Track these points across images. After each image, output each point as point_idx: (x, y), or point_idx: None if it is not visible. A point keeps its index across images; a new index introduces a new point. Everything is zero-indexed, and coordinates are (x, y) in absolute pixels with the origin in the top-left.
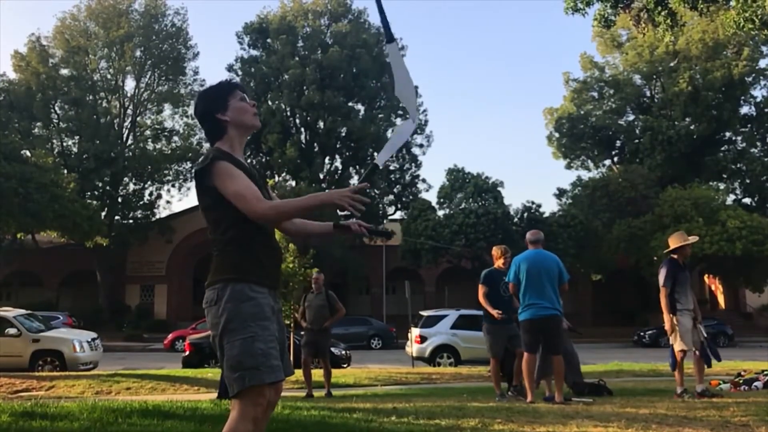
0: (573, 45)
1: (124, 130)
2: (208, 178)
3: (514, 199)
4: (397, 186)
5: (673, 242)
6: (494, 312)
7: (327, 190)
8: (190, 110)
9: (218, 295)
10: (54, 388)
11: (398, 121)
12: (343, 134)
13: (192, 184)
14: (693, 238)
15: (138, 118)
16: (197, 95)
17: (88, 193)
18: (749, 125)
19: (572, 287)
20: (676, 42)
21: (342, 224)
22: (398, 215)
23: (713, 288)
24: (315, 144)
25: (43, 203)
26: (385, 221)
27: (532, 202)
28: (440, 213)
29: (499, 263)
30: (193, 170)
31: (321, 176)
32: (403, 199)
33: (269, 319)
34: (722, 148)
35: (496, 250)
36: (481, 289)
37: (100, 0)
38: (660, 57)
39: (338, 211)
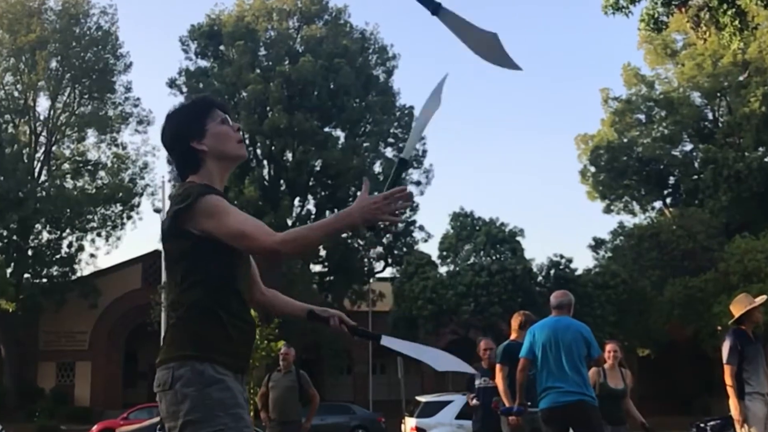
0: (613, 54)
1: (35, 162)
2: (191, 219)
3: (537, 251)
4: (387, 235)
5: (737, 308)
6: (511, 417)
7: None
8: (121, 138)
9: (173, 376)
10: None
11: (388, 151)
12: (318, 168)
13: (122, 233)
14: (761, 299)
15: (54, 148)
16: (165, 117)
17: None
18: None
19: None
20: (746, 50)
21: (318, 314)
22: (388, 272)
23: None
24: (281, 180)
25: None
26: (371, 280)
27: (561, 256)
28: (443, 270)
29: (519, 335)
30: (172, 211)
31: (289, 222)
32: (395, 251)
33: (243, 407)
34: None
35: (516, 319)
36: (499, 370)
37: None
38: (725, 69)
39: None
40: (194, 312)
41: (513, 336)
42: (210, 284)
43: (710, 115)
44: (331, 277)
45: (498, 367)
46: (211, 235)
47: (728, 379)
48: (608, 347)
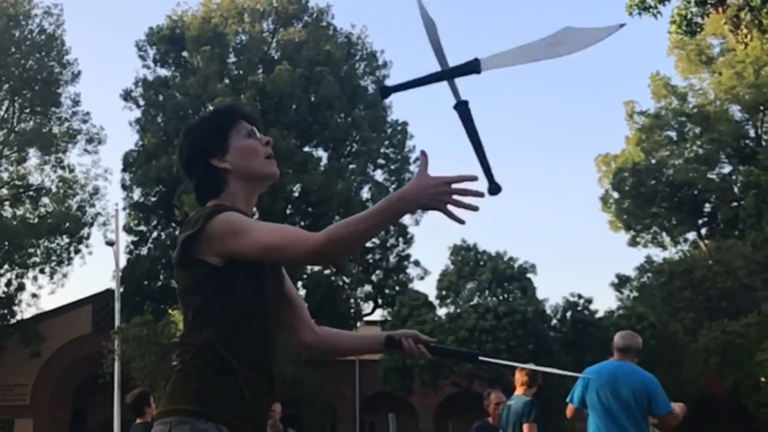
0: (640, 61)
1: None
2: (205, 246)
3: (551, 291)
4: (377, 272)
5: None
6: None
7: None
8: (68, 159)
9: None
10: None
11: (377, 174)
12: (297, 194)
13: (69, 269)
14: None
15: None
16: (183, 133)
17: None
18: None
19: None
20: None
21: (394, 338)
22: (378, 315)
23: None
24: (254, 208)
25: None
26: (359, 324)
27: (579, 296)
28: (441, 312)
29: (525, 390)
30: (181, 237)
31: None
32: (386, 291)
33: None
34: None
35: (521, 373)
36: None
37: None
38: None
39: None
40: (202, 358)
41: (521, 391)
42: (225, 325)
43: (752, 132)
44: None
45: (529, 426)
46: (237, 257)
47: None
48: None
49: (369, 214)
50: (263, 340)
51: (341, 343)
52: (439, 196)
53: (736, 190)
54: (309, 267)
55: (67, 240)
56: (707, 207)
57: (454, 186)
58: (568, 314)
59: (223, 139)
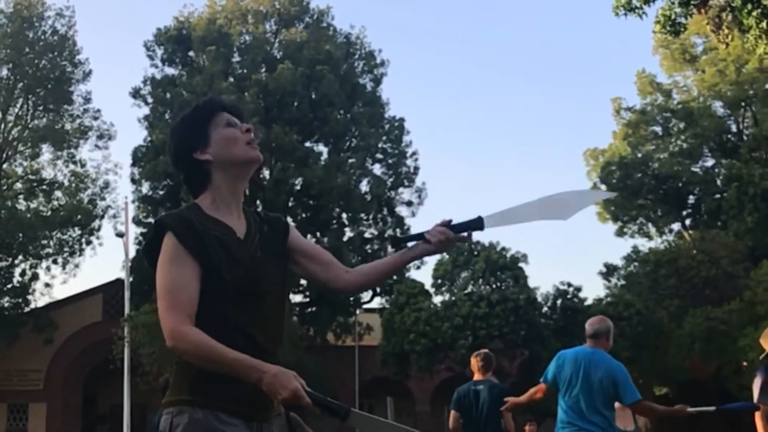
0: (626, 60)
1: None
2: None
3: (542, 279)
4: (375, 261)
5: (767, 340)
6: None
7: (269, 368)
8: (79, 154)
9: (172, 424)
10: None
11: (376, 167)
12: (298, 187)
13: (81, 260)
14: None
15: (5, 165)
16: (169, 131)
17: None
18: None
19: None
20: None
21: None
22: (377, 303)
23: None
24: (257, 201)
25: None
26: (358, 312)
27: (568, 284)
28: (437, 300)
29: (484, 375)
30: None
31: None
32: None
33: None
34: None
35: (474, 360)
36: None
37: None
38: (750, 76)
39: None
40: None
41: (481, 376)
42: (209, 320)
43: (734, 127)
44: (314, 308)
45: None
46: None
47: (759, 422)
48: None
49: (223, 356)
50: (254, 334)
51: (372, 275)
52: (291, 395)
53: (718, 182)
54: None
55: (79, 232)
56: (691, 199)
57: (298, 393)
58: (559, 302)
59: (204, 132)
